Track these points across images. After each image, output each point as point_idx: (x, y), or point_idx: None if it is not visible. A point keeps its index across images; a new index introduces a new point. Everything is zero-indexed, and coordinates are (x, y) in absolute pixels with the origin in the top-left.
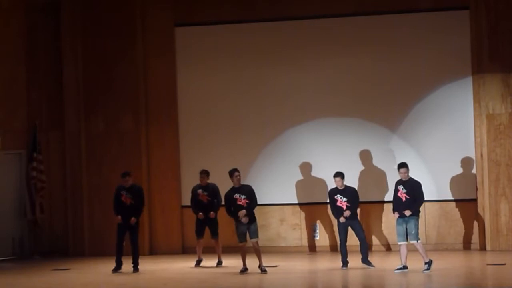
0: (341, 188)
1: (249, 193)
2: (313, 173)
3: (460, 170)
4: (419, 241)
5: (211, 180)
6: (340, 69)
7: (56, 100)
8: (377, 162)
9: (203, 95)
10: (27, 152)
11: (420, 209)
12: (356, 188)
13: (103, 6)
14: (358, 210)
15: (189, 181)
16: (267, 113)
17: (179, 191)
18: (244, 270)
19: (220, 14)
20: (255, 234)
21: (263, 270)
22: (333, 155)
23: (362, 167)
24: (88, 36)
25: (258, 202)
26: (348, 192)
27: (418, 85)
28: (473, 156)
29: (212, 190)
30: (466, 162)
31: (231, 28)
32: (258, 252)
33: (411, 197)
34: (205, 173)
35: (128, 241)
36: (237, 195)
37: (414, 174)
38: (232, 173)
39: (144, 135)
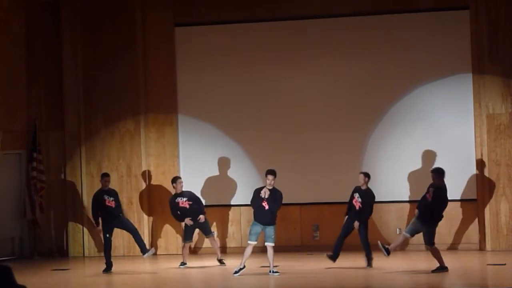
0: (363, 188)
1: (274, 198)
2: (313, 173)
3: (460, 170)
4: (432, 247)
5: (211, 180)
6: (340, 69)
7: (56, 100)
8: (376, 162)
9: (203, 95)
10: (27, 152)
11: (435, 216)
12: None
13: (103, 6)
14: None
15: (189, 181)
16: (267, 113)
17: None
18: (240, 269)
19: (220, 14)
20: (270, 239)
21: (274, 272)
22: (333, 154)
23: (362, 167)
24: (88, 36)
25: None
26: (363, 192)
27: (418, 85)
28: (473, 156)
29: (191, 196)
30: (466, 162)
31: (231, 28)
32: (271, 256)
33: (435, 202)
34: (180, 179)
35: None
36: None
37: (413, 173)
38: (267, 174)
39: (144, 135)
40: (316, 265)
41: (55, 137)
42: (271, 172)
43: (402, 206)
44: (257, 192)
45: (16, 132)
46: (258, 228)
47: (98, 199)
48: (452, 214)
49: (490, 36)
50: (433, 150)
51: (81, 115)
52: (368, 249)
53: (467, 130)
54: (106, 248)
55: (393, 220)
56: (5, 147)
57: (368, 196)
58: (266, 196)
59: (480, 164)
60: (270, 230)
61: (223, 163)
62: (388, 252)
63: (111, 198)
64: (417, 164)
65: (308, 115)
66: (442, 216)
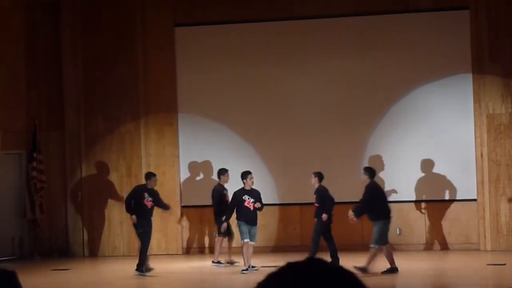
0: (315, 187)
1: (258, 197)
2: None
3: (460, 170)
4: (372, 246)
5: (211, 180)
6: (340, 69)
7: (56, 100)
8: (376, 162)
9: (203, 95)
10: (27, 152)
11: (379, 213)
12: (354, 187)
13: (103, 7)
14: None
15: (189, 181)
16: (267, 113)
17: (178, 191)
18: (247, 269)
19: (220, 14)
20: (254, 238)
21: (252, 267)
22: (333, 155)
23: (362, 167)
24: (88, 36)
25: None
26: (316, 191)
27: (418, 85)
28: (473, 156)
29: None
30: (466, 162)
31: (231, 28)
32: (250, 254)
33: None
34: (228, 170)
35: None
36: (246, 197)
37: (414, 173)
38: (246, 175)
39: (144, 135)
40: None
41: (55, 137)
42: (250, 172)
43: (402, 206)
44: (239, 194)
45: (16, 132)
46: (247, 227)
47: (137, 193)
48: (452, 214)
49: (490, 36)
50: (433, 150)
51: (81, 115)
52: (314, 248)
53: (467, 130)
54: (143, 246)
55: (393, 220)
56: (5, 147)
57: (318, 193)
58: (252, 201)
59: (480, 164)
60: (255, 229)
61: (223, 163)
62: (366, 271)
63: (150, 198)
64: (417, 164)
65: (308, 115)
66: (384, 213)
